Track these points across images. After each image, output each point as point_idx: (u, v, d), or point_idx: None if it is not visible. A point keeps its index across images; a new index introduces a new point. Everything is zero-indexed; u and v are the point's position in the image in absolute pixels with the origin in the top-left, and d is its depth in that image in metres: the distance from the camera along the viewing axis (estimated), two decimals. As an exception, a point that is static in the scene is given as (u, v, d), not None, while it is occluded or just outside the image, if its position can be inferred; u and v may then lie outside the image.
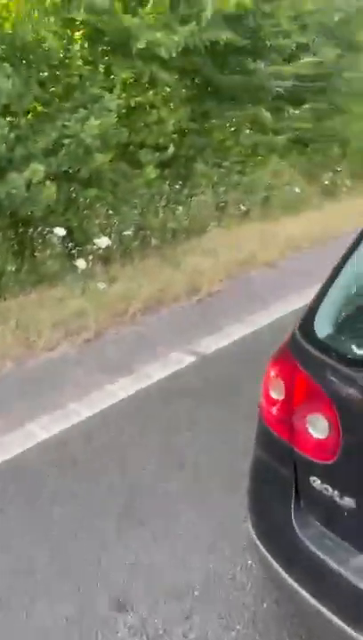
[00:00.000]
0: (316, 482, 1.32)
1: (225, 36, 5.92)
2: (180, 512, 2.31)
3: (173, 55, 5.61)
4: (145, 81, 5.76)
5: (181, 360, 3.69)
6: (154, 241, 5.72)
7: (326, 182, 7.76)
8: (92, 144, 4.99)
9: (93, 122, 4.96)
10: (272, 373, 1.47)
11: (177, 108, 6.09)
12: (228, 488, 2.39)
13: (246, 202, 6.77)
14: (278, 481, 1.44)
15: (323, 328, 1.37)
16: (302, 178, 7.58)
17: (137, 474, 2.56)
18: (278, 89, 7.01)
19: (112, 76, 5.66)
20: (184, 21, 5.85)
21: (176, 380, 3.43)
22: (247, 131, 7.02)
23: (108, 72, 5.68)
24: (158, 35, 5.42)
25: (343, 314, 1.39)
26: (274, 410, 1.45)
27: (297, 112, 7.49)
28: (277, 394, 1.44)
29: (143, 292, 4.61)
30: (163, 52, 5.54)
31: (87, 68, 5.59)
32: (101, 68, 5.68)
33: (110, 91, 5.37)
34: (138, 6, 5.62)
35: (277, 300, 4.62)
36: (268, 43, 6.79)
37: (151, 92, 5.85)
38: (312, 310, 1.42)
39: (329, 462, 1.28)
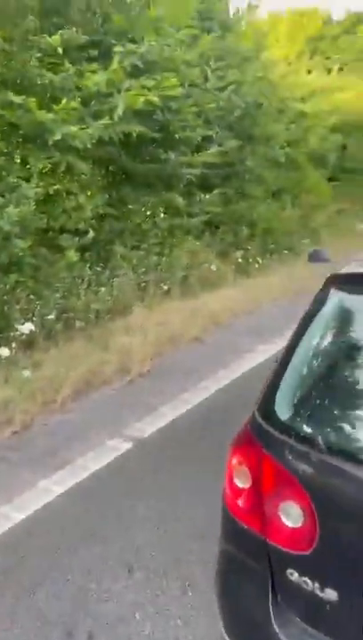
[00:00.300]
0: (293, 575, 1.25)
1: (137, 129, 6.28)
2: (133, 620, 2.12)
3: (89, 146, 5.84)
4: (62, 170, 5.89)
5: (117, 447, 3.54)
6: (78, 323, 5.63)
7: (239, 260, 8.16)
8: (10, 231, 4.97)
9: (12, 209, 4.96)
10: (235, 461, 1.43)
11: (94, 195, 6.26)
12: (182, 590, 2.25)
13: (166, 281, 6.93)
14: (252, 576, 1.35)
15: (284, 410, 1.36)
16: (216, 257, 7.93)
17: (83, 580, 2.34)
18: (188, 176, 7.44)
19: (28, 166, 5.75)
20: (97, 116, 6.16)
21: (114, 470, 3.27)
22: (162, 215, 7.31)
23: (24, 162, 5.77)
24: (73, 128, 5.63)
25: (302, 394, 1.39)
26: (241, 500, 1.39)
27: (207, 197, 7.95)
28: (242, 482, 1.39)
29: (72, 377, 4.46)
30: (78, 144, 5.75)
31: (3, 159, 5.65)
32: (17, 158, 5.76)
33: (28, 180, 5.44)
34: (51, 102, 5.85)
35: (207, 376, 4.65)
36: (177, 135, 7.27)
37: (68, 180, 5.99)
38: (271, 392, 1.41)
39: (306, 552, 1.23)
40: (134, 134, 6.44)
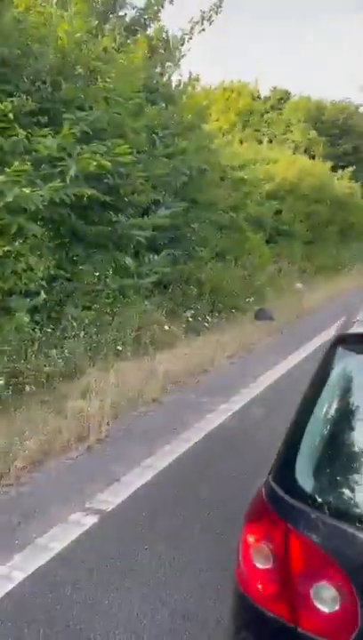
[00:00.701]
0: (331, 666, 1.14)
1: (88, 192, 6.33)
2: None
3: (40, 207, 5.80)
4: (13, 232, 5.78)
5: (81, 522, 3.29)
6: (29, 387, 5.37)
7: (190, 319, 8.20)
8: None
9: None
10: (252, 538, 1.32)
11: (45, 256, 6.15)
12: None
13: (118, 341, 6.81)
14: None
15: (307, 480, 1.29)
16: (167, 316, 7.93)
17: None
18: (138, 238, 7.52)
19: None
20: (47, 179, 6.17)
21: (80, 550, 3.01)
22: (113, 276, 7.28)
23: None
24: (25, 190, 5.60)
25: (325, 462, 1.32)
26: (262, 583, 1.27)
27: (156, 258, 8.04)
28: (262, 562, 1.28)
29: (26, 447, 4.18)
30: (30, 205, 5.71)
31: None
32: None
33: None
34: (1, 166, 5.81)
35: (169, 439, 4.50)
36: (126, 199, 7.39)
37: (19, 242, 5.86)
38: (289, 461, 1.33)
39: (348, 639, 1.13)
40: (85, 197, 6.49)
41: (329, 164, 21.51)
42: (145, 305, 7.67)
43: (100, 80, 7.47)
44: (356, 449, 1.32)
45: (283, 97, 27.80)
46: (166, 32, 10.12)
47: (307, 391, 1.45)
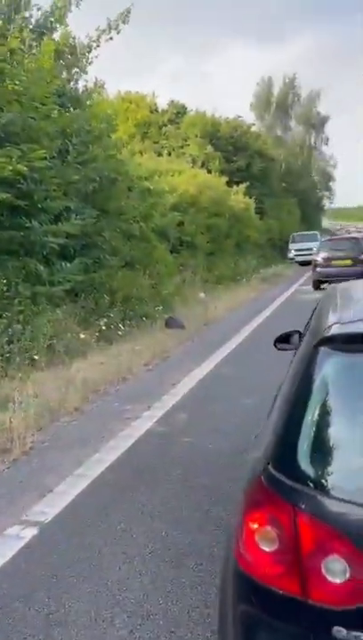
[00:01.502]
0: (341, 632, 1.26)
1: (3, 196, 6.11)
2: None
3: None
4: None
5: (20, 535, 3.18)
6: None
7: (103, 328, 8.16)
8: None
9: None
10: (255, 525, 1.41)
11: None
12: None
13: (32, 350, 6.61)
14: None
15: (308, 465, 1.40)
16: (80, 325, 7.83)
17: None
18: (52, 245, 7.37)
19: None
20: None
21: (21, 564, 2.91)
22: (24, 283, 7.06)
23: None
24: None
25: (322, 449, 1.44)
26: (270, 564, 1.36)
27: (69, 265, 7.92)
28: (269, 545, 1.37)
29: None
30: None
31: None
32: None
33: None
34: None
35: (98, 448, 4.46)
36: (40, 205, 7.22)
37: None
38: (290, 448, 1.44)
39: (356, 605, 1.25)
40: (-2, 202, 6.27)
41: (225, 178, 22.49)
42: (57, 313, 7.52)
43: (8, 82, 7.26)
44: (347, 438, 1.47)
45: (180, 111, 28.56)
46: (73, 38, 10.05)
47: (296, 388, 1.56)
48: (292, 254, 29.10)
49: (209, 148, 25.76)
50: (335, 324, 1.67)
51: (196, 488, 3.66)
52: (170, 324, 9.64)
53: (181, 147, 26.26)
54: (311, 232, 31.96)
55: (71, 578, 2.76)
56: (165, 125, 27.78)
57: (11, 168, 6.06)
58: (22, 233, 6.93)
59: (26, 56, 7.98)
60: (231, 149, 27.59)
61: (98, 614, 2.49)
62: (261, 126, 43.12)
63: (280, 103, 48.01)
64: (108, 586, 2.69)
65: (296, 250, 28.94)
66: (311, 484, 1.38)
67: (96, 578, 2.76)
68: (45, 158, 6.76)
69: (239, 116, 30.44)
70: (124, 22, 10.58)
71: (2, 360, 6.21)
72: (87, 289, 8.55)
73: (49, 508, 3.49)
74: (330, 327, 1.65)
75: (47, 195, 7.39)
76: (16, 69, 7.40)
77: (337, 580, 1.28)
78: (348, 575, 1.27)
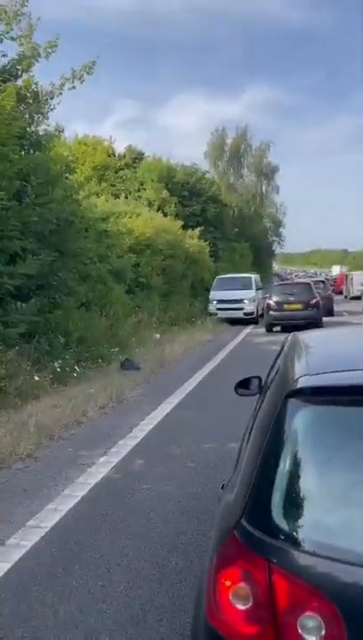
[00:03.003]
0: None
1: None
2: None
3: None
4: None
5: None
6: None
7: (58, 369, 7.99)
8: None
9: None
10: (228, 582, 1.38)
11: None
12: None
13: (-18, 393, 6.39)
14: None
15: (282, 520, 1.39)
16: (34, 366, 7.64)
17: None
18: (7, 286, 7.25)
19: None
20: None
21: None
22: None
23: None
24: None
25: (296, 503, 1.44)
26: (244, 623, 1.33)
27: (25, 306, 7.79)
28: (242, 602, 1.34)
29: None
30: None
31: None
32: None
33: None
34: None
35: (52, 497, 4.29)
36: (-4, 246, 7.15)
37: None
38: (263, 503, 1.43)
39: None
40: None
41: (180, 222, 22.97)
42: (10, 354, 7.33)
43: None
44: (321, 491, 1.47)
45: (137, 156, 29.22)
46: (36, 84, 10.19)
47: (266, 441, 1.56)
48: (213, 307, 20.03)
49: (165, 193, 26.34)
50: (304, 375, 1.71)
51: (153, 539, 3.57)
52: (126, 365, 9.56)
53: (138, 190, 26.75)
54: (243, 275, 22.20)
55: (26, 639, 2.60)
56: (122, 169, 28.31)
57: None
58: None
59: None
60: (187, 194, 28.28)
61: None
62: (214, 173, 44.56)
63: (233, 152, 49.93)
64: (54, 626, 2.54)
65: (219, 300, 19.74)
66: (286, 539, 1.37)
67: (51, 637, 2.60)
68: (2, 199, 6.72)
69: (194, 164, 31.40)
70: (88, 73, 10.84)
71: None
72: (42, 329, 8.41)
73: (1, 563, 3.30)
74: (298, 379, 1.68)
75: (3, 235, 7.31)
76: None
77: (313, 638, 1.26)
78: (323, 632, 1.26)
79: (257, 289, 20.53)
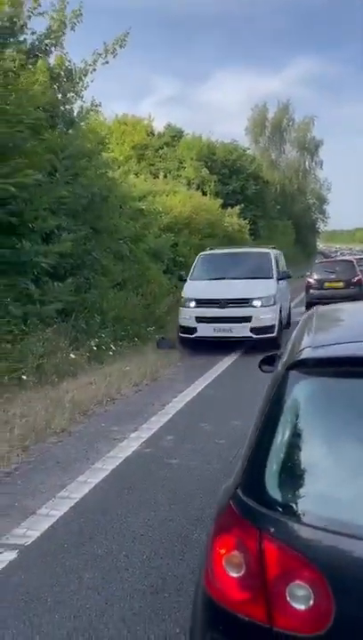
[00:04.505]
0: (306, 660, 1.23)
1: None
2: None
3: None
4: None
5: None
6: None
7: (94, 347, 8.14)
8: None
9: None
10: (223, 550, 1.39)
11: None
12: None
13: (20, 370, 6.58)
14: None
15: (276, 490, 1.39)
16: (71, 345, 7.80)
17: None
18: (42, 265, 7.40)
19: None
20: None
21: (1, 588, 2.85)
22: (14, 302, 7.06)
23: None
24: None
25: (291, 473, 1.43)
26: (236, 590, 1.34)
27: (60, 285, 7.94)
28: (235, 570, 1.35)
29: None
30: None
31: None
32: None
33: None
34: None
35: (83, 469, 4.41)
36: (30, 225, 7.27)
37: None
38: (257, 473, 1.42)
39: (320, 632, 1.23)
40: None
41: (220, 201, 22.72)
42: (48, 333, 7.50)
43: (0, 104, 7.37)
44: (316, 462, 1.46)
45: (177, 135, 28.97)
46: (70, 61, 10.21)
47: (266, 412, 1.56)
48: (187, 316, 9.54)
49: (204, 171, 26.08)
50: (307, 347, 1.68)
51: (178, 512, 3.62)
52: (161, 344, 9.62)
53: (178, 169, 26.58)
54: (252, 250, 12.58)
55: (50, 602, 2.71)
56: (162, 148, 28.15)
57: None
58: (12, 252, 6.94)
59: (21, 77, 8.08)
60: (227, 172, 27.92)
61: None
62: (255, 150, 43.73)
63: (275, 127, 48.82)
64: (87, 613, 2.63)
65: (201, 302, 9.57)
66: (278, 509, 1.36)
67: (70, 605, 2.70)
68: (34, 176, 6.81)
69: (235, 140, 30.90)
70: (121, 46, 10.76)
71: (-10, 379, 6.17)
72: (78, 309, 8.54)
73: (31, 532, 3.43)
74: (302, 351, 1.66)
75: (37, 214, 7.42)
76: (6, 91, 7.50)
77: (302, 607, 1.26)
78: (312, 602, 1.25)
79: (281, 276, 10.43)
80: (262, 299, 9.30)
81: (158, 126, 29.45)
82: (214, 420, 5.60)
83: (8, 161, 6.68)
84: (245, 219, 24.88)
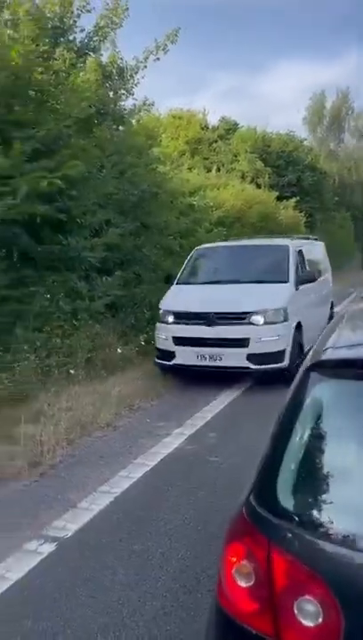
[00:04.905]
0: None
1: (40, 211, 6.28)
2: None
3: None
4: None
5: (38, 550, 3.18)
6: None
7: (143, 343, 8.19)
8: None
9: None
10: (233, 557, 1.33)
11: (-4, 277, 6.04)
12: None
13: (69, 364, 6.70)
14: None
15: (288, 498, 1.31)
16: (119, 340, 7.88)
17: None
18: (90, 259, 7.50)
19: None
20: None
21: (38, 581, 2.90)
22: (65, 298, 7.20)
23: None
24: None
25: (304, 482, 1.35)
26: (245, 601, 1.28)
27: (109, 279, 8.03)
28: (245, 580, 1.29)
29: None
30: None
31: None
32: None
33: None
34: None
35: (125, 464, 4.43)
36: (78, 220, 7.38)
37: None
38: (269, 480, 1.35)
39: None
40: (37, 217, 6.46)
41: (275, 193, 22.31)
42: (97, 328, 7.60)
43: (51, 102, 7.51)
44: (332, 470, 1.36)
45: (231, 127, 28.69)
46: (121, 59, 10.27)
47: (283, 415, 1.48)
48: (161, 332, 7.10)
49: (259, 164, 25.69)
50: (329, 348, 1.58)
51: (217, 511, 3.57)
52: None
53: (232, 162, 26.33)
54: (262, 242, 9.12)
55: (83, 597, 2.73)
56: (216, 142, 27.96)
57: (47, 182, 6.19)
58: (61, 248, 7.08)
59: (68, 77, 8.21)
60: (282, 164, 27.38)
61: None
62: (313, 140, 42.63)
63: (334, 117, 47.34)
64: (119, 609, 2.63)
65: (179, 315, 6.97)
66: (290, 519, 1.28)
67: (103, 600, 2.71)
68: (81, 171, 6.91)
69: (292, 131, 30.23)
70: (172, 42, 10.71)
71: (41, 373, 6.32)
72: (128, 304, 8.61)
73: (71, 524, 3.48)
74: (324, 351, 1.56)
75: (86, 209, 7.52)
76: (57, 90, 7.64)
77: (310, 624, 1.18)
78: (321, 620, 1.17)
79: (301, 280, 7.42)
80: (267, 312, 6.46)
81: (213, 120, 29.27)
82: (258, 417, 5.49)
83: (55, 157, 6.80)
84: (300, 211, 24.33)
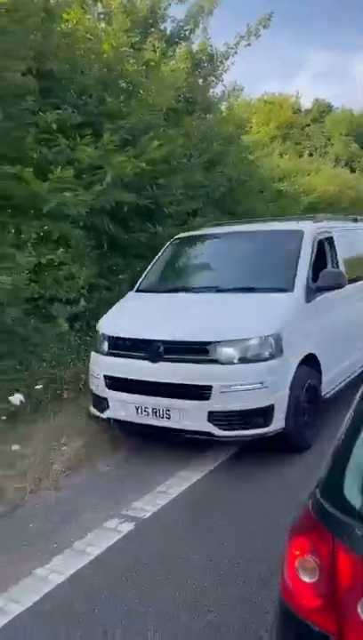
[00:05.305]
0: None
1: (128, 198, 6.41)
2: None
3: (83, 213, 5.88)
4: (54, 239, 5.90)
5: (118, 529, 3.31)
6: (67, 394, 5.45)
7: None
8: (3, 299, 4.90)
9: (4, 278, 4.91)
10: (297, 551, 1.30)
11: (86, 265, 6.25)
12: None
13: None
14: None
15: (355, 495, 1.26)
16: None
17: None
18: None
19: (22, 235, 5.74)
20: (89, 187, 6.28)
21: (118, 556, 3.02)
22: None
23: (17, 231, 5.77)
24: (67, 194, 5.67)
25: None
26: (309, 597, 1.25)
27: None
28: (309, 576, 1.26)
29: (64, 452, 4.25)
30: (72, 211, 5.78)
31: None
32: (11, 228, 5.74)
33: (19, 248, 5.43)
34: (45, 174, 5.93)
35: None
36: (166, 210, 7.47)
37: (61, 250, 5.98)
38: (337, 475, 1.31)
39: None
40: (125, 207, 6.60)
41: (370, 177, 21.27)
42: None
43: (141, 93, 7.63)
44: None
45: (325, 110, 27.68)
46: (211, 46, 10.20)
47: (354, 410, 1.42)
48: (93, 369, 4.67)
49: (354, 146, 24.59)
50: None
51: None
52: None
53: (325, 146, 25.41)
54: (273, 226, 5.86)
55: (156, 577, 2.80)
56: (308, 125, 27.10)
57: (132, 166, 6.26)
58: (149, 236, 7.20)
59: (158, 67, 8.28)
60: (380, 145, 26.02)
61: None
62: None
63: None
64: (191, 592, 2.68)
65: (115, 345, 4.53)
66: (356, 516, 1.23)
67: (176, 581, 2.76)
68: (168, 162, 6.97)
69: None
70: (264, 27, 10.45)
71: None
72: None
73: (148, 506, 3.57)
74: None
75: (173, 199, 7.58)
76: (147, 81, 7.73)
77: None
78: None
79: (319, 286, 4.58)
80: (244, 344, 4.01)
81: (306, 103, 28.37)
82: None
83: (141, 145, 6.89)
84: None
